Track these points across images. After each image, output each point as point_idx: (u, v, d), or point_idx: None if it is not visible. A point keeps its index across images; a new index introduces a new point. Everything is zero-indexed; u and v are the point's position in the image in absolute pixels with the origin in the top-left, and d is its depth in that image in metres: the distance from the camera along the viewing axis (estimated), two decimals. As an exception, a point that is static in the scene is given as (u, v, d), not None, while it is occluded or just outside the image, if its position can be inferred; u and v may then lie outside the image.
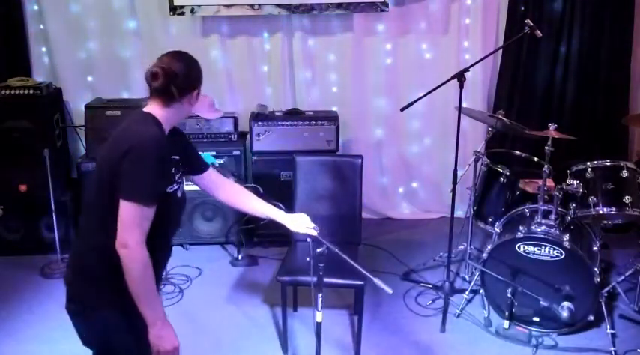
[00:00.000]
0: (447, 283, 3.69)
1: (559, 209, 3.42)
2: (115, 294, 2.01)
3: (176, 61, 2.11)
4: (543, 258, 3.30)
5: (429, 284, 3.96)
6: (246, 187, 2.55)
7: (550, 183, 3.56)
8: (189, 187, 2.30)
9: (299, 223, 2.42)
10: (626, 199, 3.35)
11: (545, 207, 3.43)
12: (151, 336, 2.01)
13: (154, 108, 2.12)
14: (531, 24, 3.51)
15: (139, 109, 2.15)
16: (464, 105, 3.49)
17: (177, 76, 2.08)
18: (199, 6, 4.51)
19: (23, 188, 4.25)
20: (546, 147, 3.34)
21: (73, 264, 2.19)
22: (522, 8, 4.58)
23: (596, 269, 3.31)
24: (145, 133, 2.01)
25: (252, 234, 4.53)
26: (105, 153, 2.07)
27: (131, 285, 1.96)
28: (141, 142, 1.97)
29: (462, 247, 4.10)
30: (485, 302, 3.55)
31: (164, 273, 4.02)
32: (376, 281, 2.13)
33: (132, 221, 1.94)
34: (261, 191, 2.36)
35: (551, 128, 3.35)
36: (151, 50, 4.41)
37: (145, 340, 2.02)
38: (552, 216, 3.38)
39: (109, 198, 1.98)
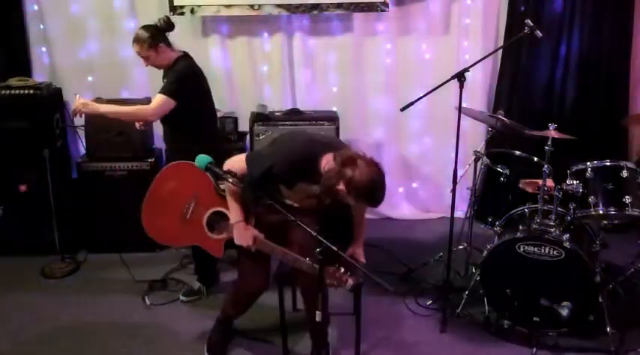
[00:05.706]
0: (447, 283, 3.69)
1: (559, 209, 3.42)
2: None
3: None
4: (543, 258, 3.30)
5: (429, 284, 3.95)
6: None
7: (550, 183, 3.55)
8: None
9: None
10: (626, 199, 3.34)
11: (545, 207, 3.42)
12: None
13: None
14: (531, 24, 3.50)
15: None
16: (464, 105, 3.49)
17: None
18: (199, 6, 4.51)
19: (23, 188, 4.25)
20: (546, 147, 3.34)
21: None
22: (522, 8, 4.59)
23: (596, 269, 3.31)
24: None
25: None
26: None
27: None
28: None
29: (462, 247, 4.10)
30: (485, 302, 3.55)
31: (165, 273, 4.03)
32: (377, 279, 2.12)
33: None
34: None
35: (551, 128, 3.34)
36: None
37: None
38: (552, 216, 3.37)
39: None
